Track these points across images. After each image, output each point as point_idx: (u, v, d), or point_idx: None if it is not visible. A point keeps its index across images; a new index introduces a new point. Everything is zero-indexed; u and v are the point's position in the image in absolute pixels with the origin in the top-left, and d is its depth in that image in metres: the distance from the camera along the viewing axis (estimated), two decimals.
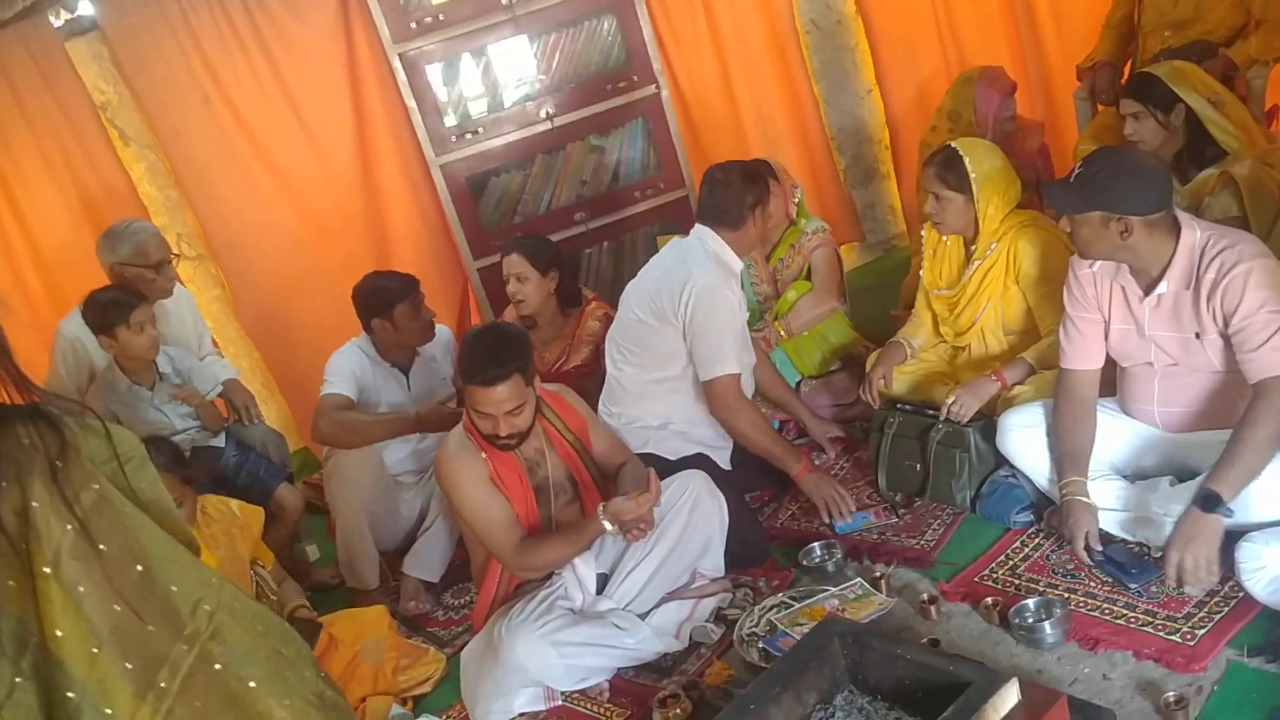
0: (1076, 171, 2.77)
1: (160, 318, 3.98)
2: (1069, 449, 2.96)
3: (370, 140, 5.17)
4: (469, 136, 5.13)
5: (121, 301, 3.76)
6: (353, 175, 5.19)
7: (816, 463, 3.74)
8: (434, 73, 5.05)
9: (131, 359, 3.83)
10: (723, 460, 3.65)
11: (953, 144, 3.54)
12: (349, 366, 3.91)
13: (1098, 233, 2.74)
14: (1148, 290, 2.81)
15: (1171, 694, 2.34)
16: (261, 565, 3.30)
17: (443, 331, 4.23)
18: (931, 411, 3.52)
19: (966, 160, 3.46)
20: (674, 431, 3.60)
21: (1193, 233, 2.73)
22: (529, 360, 3.07)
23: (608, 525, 3.03)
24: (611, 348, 3.73)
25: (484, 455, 3.09)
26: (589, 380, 4.12)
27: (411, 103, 5.01)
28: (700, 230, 3.59)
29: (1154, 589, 2.74)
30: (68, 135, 4.68)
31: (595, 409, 3.59)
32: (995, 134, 4.34)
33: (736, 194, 3.54)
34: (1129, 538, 2.92)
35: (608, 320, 4.17)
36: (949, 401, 3.38)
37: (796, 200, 4.34)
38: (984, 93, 4.53)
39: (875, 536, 3.39)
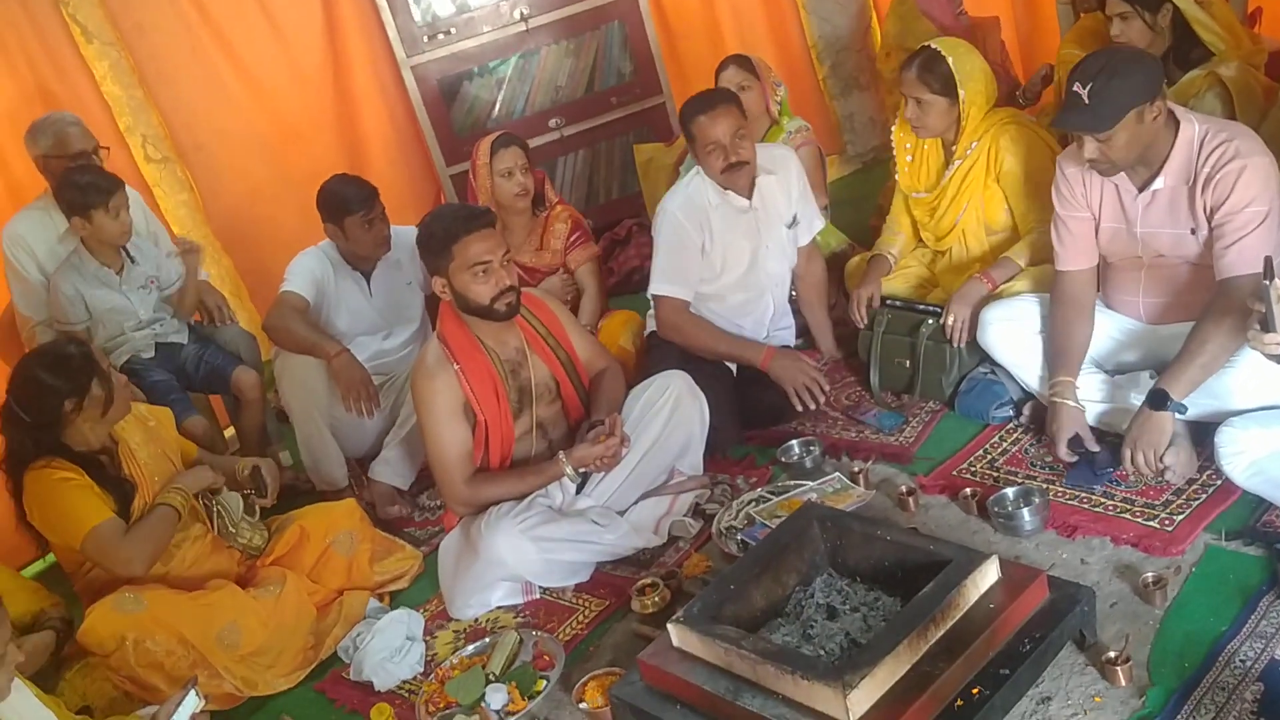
0: (1082, 92, 2.61)
1: None
2: (1060, 348, 2.94)
3: (340, 40, 5.05)
4: (441, 37, 5.02)
5: (101, 186, 3.66)
6: (323, 77, 5.08)
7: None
8: None
9: (102, 243, 3.74)
10: None
11: (932, 44, 3.45)
12: (309, 268, 3.88)
13: (1135, 132, 2.62)
14: (1142, 187, 2.77)
15: (1150, 574, 2.35)
16: (221, 500, 3.14)
17: (409, 233, 4.12)
18: (922, 307, 3.49)
19: (950, 60, 3.37)
20: None
21: (1191, 126, 2.68)
22: (496, 218, 3.14)
23: (569, 470, 3.05)
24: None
25: (456, 367, 3.05)
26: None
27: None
28: None
29: (1129, 480, 2.75)
30: (28, 31, 4.49)
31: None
32: (958, 34, 4.27)
33: None
34: (1106, 429, 2.91)
35: (574, 222, 4.09)
36: (948, 322, 3.32)
37: (779, 99, 4.22)
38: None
39: (854, 435, 3.39)
